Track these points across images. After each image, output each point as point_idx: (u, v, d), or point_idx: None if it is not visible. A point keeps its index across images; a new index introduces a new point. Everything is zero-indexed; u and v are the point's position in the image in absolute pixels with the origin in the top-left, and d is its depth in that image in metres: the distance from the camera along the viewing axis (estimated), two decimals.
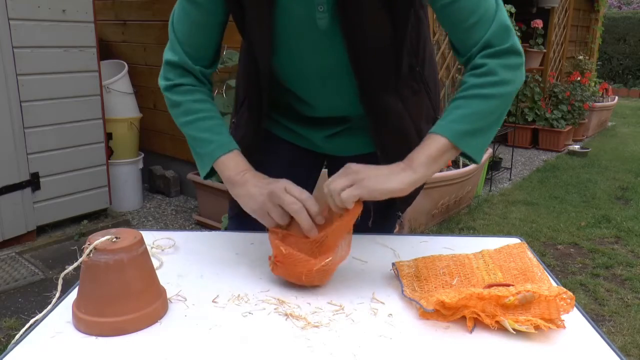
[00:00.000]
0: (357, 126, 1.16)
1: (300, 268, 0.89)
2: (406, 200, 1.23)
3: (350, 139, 1.18)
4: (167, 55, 1.07)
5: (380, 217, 1.21)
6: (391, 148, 0.97)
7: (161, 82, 1.08)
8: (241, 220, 1.18)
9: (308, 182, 1.30)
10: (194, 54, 1.06)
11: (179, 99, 1.06)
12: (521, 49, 0.98)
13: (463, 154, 0.97)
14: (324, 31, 0.98)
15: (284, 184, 0.96)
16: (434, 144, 0.94)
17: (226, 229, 1.27)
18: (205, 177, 1.08)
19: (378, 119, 1.09)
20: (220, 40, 1.08)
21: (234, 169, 1.02)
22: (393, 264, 0.99)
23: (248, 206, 0.99)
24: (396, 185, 0.91)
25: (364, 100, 1.06)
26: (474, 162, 0.98)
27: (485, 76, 0.95)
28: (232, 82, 2.62)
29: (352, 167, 0.93)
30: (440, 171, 3.36)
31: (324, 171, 1.30)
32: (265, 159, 1.21)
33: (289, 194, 0.93)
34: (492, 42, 0.95)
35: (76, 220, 3.21)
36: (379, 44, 1.00)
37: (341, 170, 0.93)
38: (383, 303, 0.89)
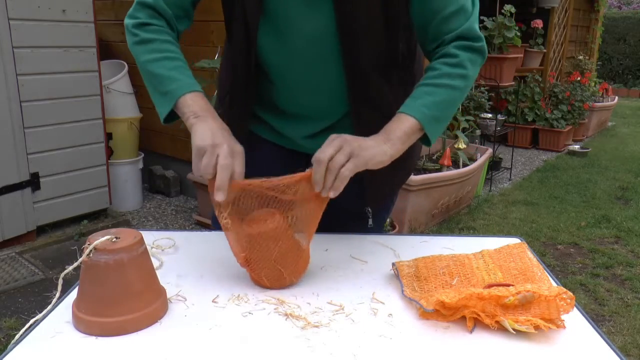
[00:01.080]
0: (338, 127, 1.14)
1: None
2: (376, 199, 1.22)
3: None
4: None
5: (351, 214, 1.20)
6: (369, 124, 1.00)
7: (128, 21, 1.04)
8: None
9: None
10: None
11: (150, 37, 1.03)
12: (487, 53, 1.04)
13: (420, 137, 1.01)
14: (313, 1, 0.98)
15: (236, 147, 0.93)
16: (407, 123, 0.97)
17: None
18: (165, 121, 1.03)
19: (360, 93, 1.07)
20: None
21: (202, 105, 0.98)
22: (393, 264, 0.99)
23: (199, 140, 0.92)
24: (383, 158, 0.95)
25: (348, 71, 1.04)
26: (427, 145, 1.02)
27: (456, 67, 1.00)
28: None
29: (344, 138, 0.92)
30: (441, 171, 3.36)
31: (309, 171, 1.29)
32: (248, 157, 1.22)
33: (230, 155, 0.90)
34: (468, 35, 1.01)
35: (76, 220, 3.21)
36: (370, 18, 1.00)
37: (332, 142, 0.91)
38: (383, 303, 0.89)
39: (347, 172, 0.90)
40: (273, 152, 1.22)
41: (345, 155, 0.90)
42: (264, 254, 0.91)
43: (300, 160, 1.26)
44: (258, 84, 1.13)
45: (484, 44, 1.02)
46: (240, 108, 1.16)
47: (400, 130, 0.97)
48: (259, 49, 1.06)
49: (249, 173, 1.10)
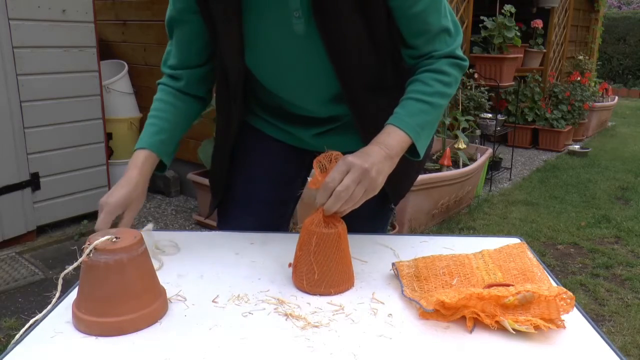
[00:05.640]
0: (346, 124, 1.17)
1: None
2: (399, 193, 1.24)
3: (340, 136, 1.19)
4: None
5: (375, 211, 1.22)
6: (375, 127, 1.03)
7: None
8: (224, 216, 1.31)
9: (296, 180, 1.30)
10: (178, 55, 1.14)
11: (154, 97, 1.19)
12: None
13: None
14: (301, 35, 0.99)
15: (105, 198, 1.04)
16: (404, 143, 0.99)
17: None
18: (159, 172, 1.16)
19: (364, 117, 1.11)
20: (198, 45, 1.12)
21: (129, 165, 1.10)
22: (393, 264, 0.99)
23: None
24: (384, 180, 0.96)
25: (349, 98, 1.08)
26: (413, 158, 1.04)
27: (447, 87, 1.03)
28: None
29: (358, 166, 0.90)
30: (441, 171, 3.36)
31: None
32: (255, 157, 1.23)
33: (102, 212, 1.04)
34: (458, 53, 1.04)
35: (76, 220, 3.21)
36: (358, 45, 1.01)
37: (347, 170, 0.90)
38: (383, 303, 0.89)
39: (358, 196, 0.90)
40: (280, 150, 1.24)
41: (363, 187, 0.90)
42: (309, 252, 0.92)
43: (307, 157, 1.28)
44: (262, 94, 1.16)
45: (467, 64, 1.07)
46: (237, 106, 1.17)
47: (398, 148, 0.98)
48: (252, 71, 1.09)
49: (256, 171, 1.14)
